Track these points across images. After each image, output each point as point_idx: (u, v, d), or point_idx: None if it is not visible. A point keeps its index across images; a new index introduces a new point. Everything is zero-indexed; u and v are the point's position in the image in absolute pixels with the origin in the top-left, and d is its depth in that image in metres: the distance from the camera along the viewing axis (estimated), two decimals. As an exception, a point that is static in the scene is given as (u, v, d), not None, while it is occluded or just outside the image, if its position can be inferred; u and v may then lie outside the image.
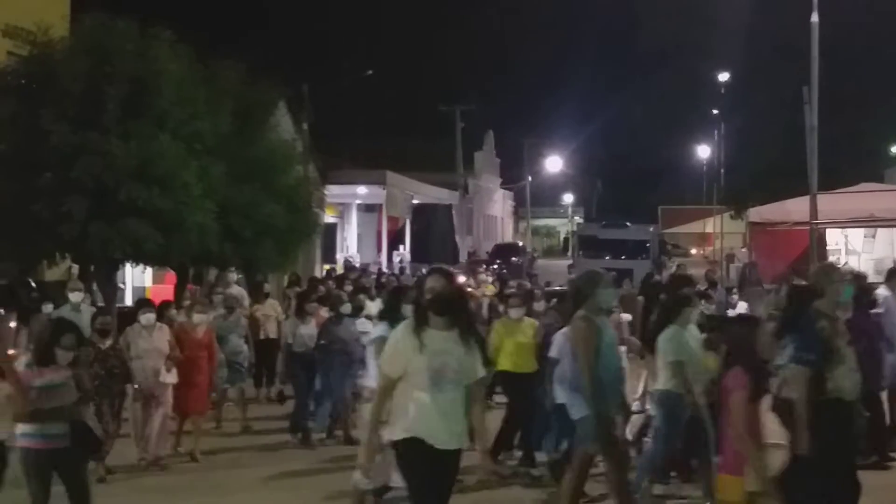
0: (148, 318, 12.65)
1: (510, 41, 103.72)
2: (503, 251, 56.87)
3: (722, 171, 59.96)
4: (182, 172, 19.60)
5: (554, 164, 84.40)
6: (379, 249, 49.03)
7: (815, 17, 23.03)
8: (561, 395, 10.41)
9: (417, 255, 49.59)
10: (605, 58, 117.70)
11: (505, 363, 12.01)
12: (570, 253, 45.94)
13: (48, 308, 15.95)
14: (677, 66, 68.92)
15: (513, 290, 15.96)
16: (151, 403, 12.49)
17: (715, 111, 63.64)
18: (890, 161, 43.62)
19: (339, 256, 44.87)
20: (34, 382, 8.34)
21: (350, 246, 48.01)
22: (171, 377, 12.63)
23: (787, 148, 34.65)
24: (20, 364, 8.58)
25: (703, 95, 66.13)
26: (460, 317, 6.98)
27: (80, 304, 14.47)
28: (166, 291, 25.27)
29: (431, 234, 56.70)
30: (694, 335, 10.42)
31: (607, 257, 37.39)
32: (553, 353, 10.73)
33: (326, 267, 36.60)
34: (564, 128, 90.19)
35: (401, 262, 46.66)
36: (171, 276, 25.03)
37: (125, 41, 19.98)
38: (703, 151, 73.65)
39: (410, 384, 6.74)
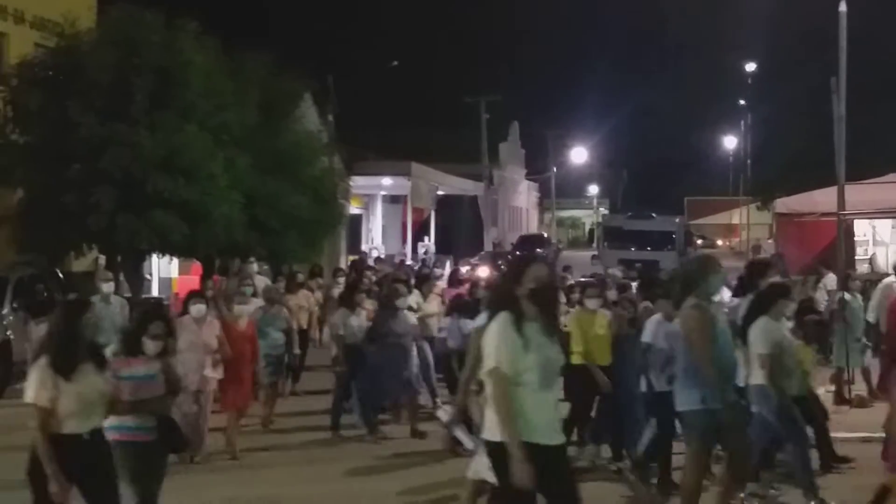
0: (199, 309, 12.01)
1: (535, 32, 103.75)
2: (528, 242, 56.78)
3: (748, 161, 59.68)
4: (208, 164, 19.70)
5: (579, 154, 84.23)
6: (404, 241, 49.05)
7: (843, 6, 22.80)
8: (656, 384, 10.22)
9: (442, 246, 49.56)
10: (631, 48, 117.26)
11: (581, 356, 11.51)
12: (595, 244, 45.86)
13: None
14: (704, 57, 68.69)
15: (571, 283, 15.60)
16: (193, 399, 11.86)
17: (742, 102, 63.33)
18: (918, 151, 43.26)
19: (365, 247, 44.92)
20: (120, 373, 7.79)
21: (375, 237, 48.04)
22: (216, 373, 12.08)
23: (815, 138, 34.39)
24: (107, 353, 7.92)
25: (730, 86, 65.81)
26: (552, 307, 6.53)
27: (110, 295, 14.12)
28: (192, 282, 25.38)
29: (456, 225, 56.64)
30: (786, 327, 10.09)
31: (633, 248, 37.32)
32: (646, 338, 10.43)
33: (352, 258, 36.62)
34: (590, 118, 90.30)
35: (425, 253, 46.65)
36: (196, 266, 25.13)
37: (152, 33, 20.12)
38: (730, 142, 73.34)
39: (519, 384, 6.20)
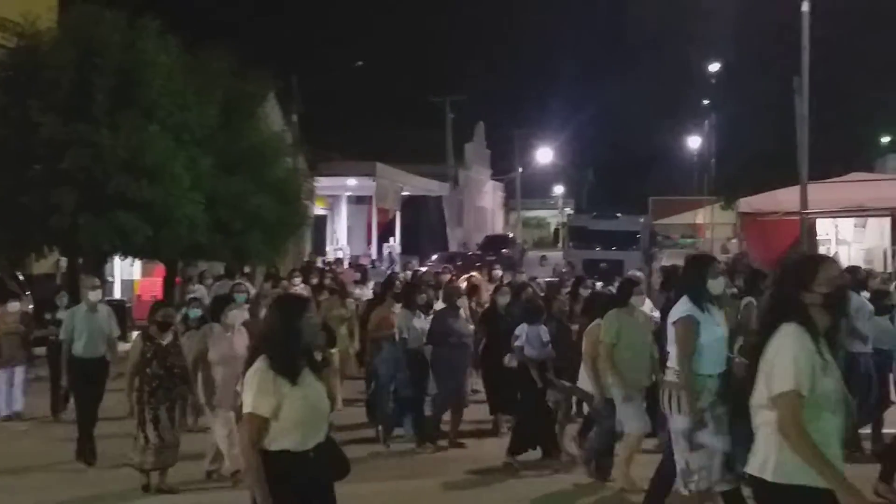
0: (234, 315, 11.05)
1: (500, 32, 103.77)
2: (494, 243, 56.83)
3: (713, 161, 59.96)
4: (171, 164, 19.56)
5: (544, 155, 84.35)
6: (369, 242, 48.95)
7: (805, 6, 23.00)
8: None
9: (407, 246, 49.50)
10: (596, 48, 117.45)
11: None
12: (560, 244, 45.89)
13: (14, 306, 15.27)
14: (668, 56, 68.88)
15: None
16: (223, 420, 10.78)
17: (706, 101, 63.60)
18: (880, 150, 43.73)
19: (329, 248, 44.79)
20: None
21: (340, 238, 47.92)
22: None
23: (779, 137, 34.64)
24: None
25: (694, 86, 66.05)
26: (840, 317, 5.52)
27: (97, 304, 12.70)
28: (155, 285, 25.20)
29: (422, 225, 56.61)
30: None
31: (598, 248, 37.39)
32: None
33: (319, 258, 36.42)
34: (555, 119, 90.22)
35: (390, 254, 46.59)
36: (159, 268, 24.95)
37: (113, 32, 19.97)
38: (694, 142, 73.62)
39: (813, 409, 5.14)
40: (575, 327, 12.80)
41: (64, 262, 22.66)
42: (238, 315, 11.26)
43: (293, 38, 68.40)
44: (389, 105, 66.50)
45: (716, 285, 8.04)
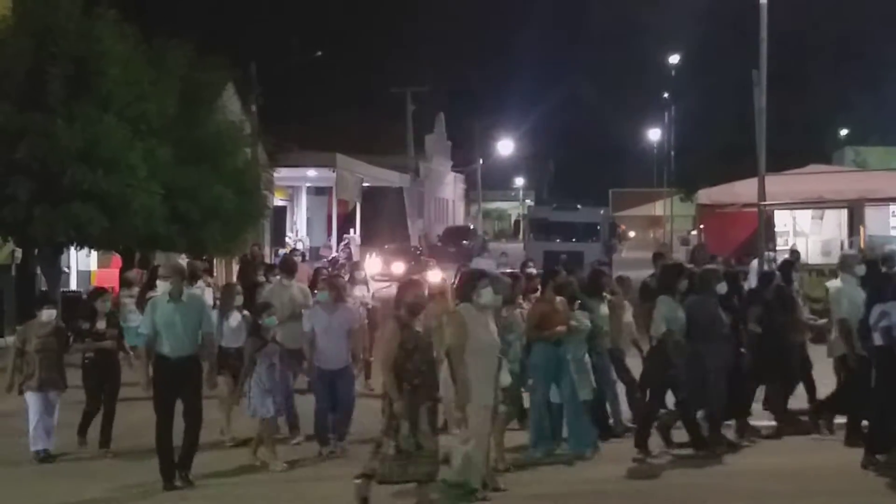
0: (489, 293, 9.37)
1: (461, 23, 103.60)
2: (454, 234, 56.81)
3: (672, 153, 60.26)
4: (128, 154, 19.36)
5: (505, 146, 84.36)
6: (329, 233, 48.72)
7: (763, -1, 23.08)
8: None
9: (367, 238, 49.33)
10: (557, 40, 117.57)
11: None
12: (521, 236, 45.89)
13: (50, 314, 12.45)
14: (629, 48, 69.15)
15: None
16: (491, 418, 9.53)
17: (666, 94, 63.87)
18: (838, 143, 44.10)
19: (289, 239, 44.54)
20: None
21: (300, 229, 47.68)
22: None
23: (738, 130, 34.83)
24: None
25: (655, 78, 66.36)
26: None
27: (181, 294, 10.64)
28: (112, 276, 24.94)
29: (382, 217, 56.42)
30: None
31: (558, 240, 37.46)
32: None
33: (283, 250, 36.12)
34: (516, 110, 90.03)
35: (347, 244, 46.39)
36: (116, 259, 24.73)
37: (68, 20, 19.71)
38: (654, 134, 73.94)
39: None
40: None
41: (19, 252, 22.39)
42: (489, 293, 9.39)
43: (252, 27, 67.97)
44: (350, 96, 66.25)
45: None
